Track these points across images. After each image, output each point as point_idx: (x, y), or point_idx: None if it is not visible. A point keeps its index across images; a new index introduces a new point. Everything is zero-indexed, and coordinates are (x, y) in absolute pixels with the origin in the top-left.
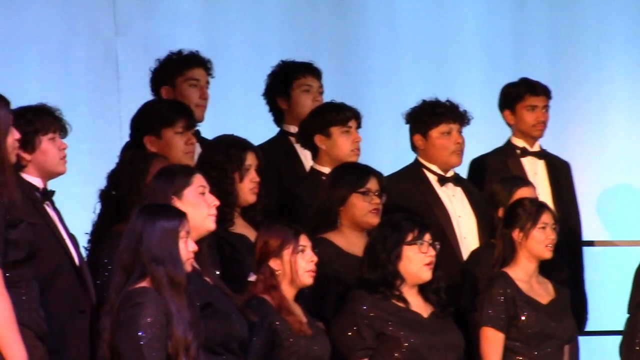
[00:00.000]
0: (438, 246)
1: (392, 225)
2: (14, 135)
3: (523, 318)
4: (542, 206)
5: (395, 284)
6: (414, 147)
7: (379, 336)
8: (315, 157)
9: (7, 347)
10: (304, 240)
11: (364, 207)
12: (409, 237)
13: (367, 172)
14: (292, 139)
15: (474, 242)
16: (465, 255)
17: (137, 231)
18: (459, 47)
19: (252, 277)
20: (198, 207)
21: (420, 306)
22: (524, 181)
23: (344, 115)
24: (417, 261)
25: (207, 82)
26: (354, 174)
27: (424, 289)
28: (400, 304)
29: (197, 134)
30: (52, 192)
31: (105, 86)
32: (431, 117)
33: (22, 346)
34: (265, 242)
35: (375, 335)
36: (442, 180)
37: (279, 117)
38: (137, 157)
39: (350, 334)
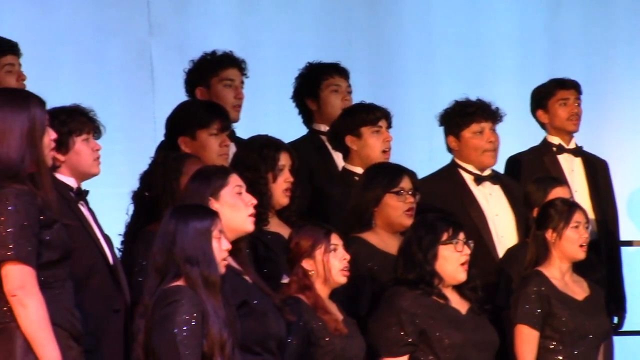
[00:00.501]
0: (472, 244)
1: (427, 226)
2: (50, 136)
3: (558, 315)
4: (574, 205)
5: (434, 282)
6: (449, 149)
7: (420, 333)
8: (346, 157)
9: (40, 347)
10: (335, 239)
11: (398, 207)
12: (444, 237)
13: (400, 171)
14: (323, 137)
15: (512, 241)
16: (501, 253)
17: (170, 232)
18: (493, 47)
19: (286, 279)
20: (236, 207)
21: (457, 303)
22: (559, 181)
23: (374, 115)
24: (453, 260)
25: (242, 82)
26: (387, 174)
27: (460, 287)
28: (441, 301)
29: (232, 134)
30: (86, 192)
31: (140, 87)
32: (462, 117)
33: (55, 347)
34: (296, 243)
35: (417, 331)
36: (479, 180)
37: (308, 118)
38: (170, 158)
39: (392, 329)
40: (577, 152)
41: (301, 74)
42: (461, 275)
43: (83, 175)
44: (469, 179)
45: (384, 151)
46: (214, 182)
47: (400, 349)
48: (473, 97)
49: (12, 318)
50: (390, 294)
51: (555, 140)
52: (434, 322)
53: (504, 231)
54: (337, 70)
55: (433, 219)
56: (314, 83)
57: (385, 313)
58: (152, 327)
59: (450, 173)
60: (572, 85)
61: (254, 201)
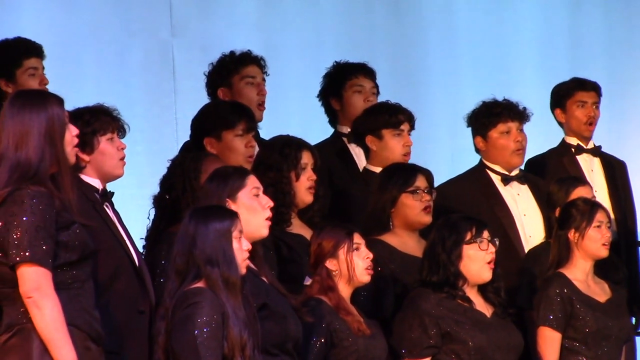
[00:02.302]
0: (497, 242)
1: (450, 226)
2: (71, 132)
3: (581, 317)
4: (596, 205)
5: (458, 284)
6: (477, 150)
7: (444, 335)
8: (367, 156)
9: (56, 349)
10: (357, 239)
11: (415, 206)
12: (468, 236)
13: (414, 170)
14: (345, 140)
15: (540, 241)
16: None
17: (190, 234)
18: (515, 48)
19: (308, 281)
20: (253, 209)
21: (482, 305)
22: (580, 181)
23: (396, 118)
24: (478, 259)
25: (263, 80)
26: (401, 175)
27: (483, 289)
28: (465, 304)
29: (256, 135)
30: (112, 194)
31: (162, 87)
32: (489, 117)
33: (71, 348)
34: (319, 244)
35: (440, 334)
36: (506, 180)
37: (333, 118)
38: (188, 159)
39: (415, 331)
40: (596, 152)
41: (327, 73)
42: (486, 274)
43: (107, 176)
44: (496, 179)
45: (403, 155)
46: (232, 183)
47: (423, 351)
48: (496, 98)
49: (28, 319)
50: (414, 295)
51: (573, 141)
52: (458, 325)
53: (532, 231)
54: (362, 71)
55: (456, 219)
56: (338, 83)
57: (409, 315)
58: (172, 329)
59: (477, 174)
60: (592, 88)
61: (271, 203)
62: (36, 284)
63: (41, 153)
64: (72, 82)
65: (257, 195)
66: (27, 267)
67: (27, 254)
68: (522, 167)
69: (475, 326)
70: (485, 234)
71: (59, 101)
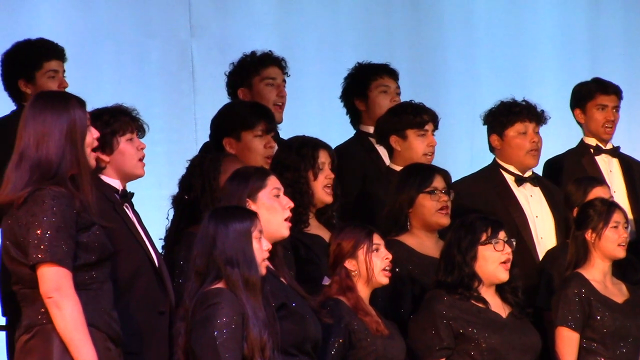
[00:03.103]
0: (514, 242)
1: (466, 227)
2: (92, 135)
3: (598, 317)
4: (613, 205)
5: (473, 285)
6: (492, 148)
7: (457, 336)
8: (390, 156)
9: (76, 349)
10: (377, 239)
11: (432, 207)
12: (483, 237)
13: (432, 171)
14: (372, 139)
15: (552, 243)
16: (541, 255)
17: (210, 235)
18: (534, 48)
19: (327, 281)
20: (273, 210)
21: (498, 306)
22: (599, 181)
23: (421, 118)
24: (493, 260)
25: (284, 81)
26: (419, 175)
27: (501, 289)
28: (480, 305)
29: (276, 135)
30: (131, 194)
31: (181, 88)
32: (507, 116)
33: (91, 348)
34: (338, 244)
35: (453, 335)
36: (520, 181)
37: (356, 118)
38: (207, 159)
39: (428, 333)
40: (614, 152)
41: (350, 73)
42: (502, 275)
43: (127, 177)
44: (510, 179)
45: (426, 155)
46: (252, 183)
47: (436, 352)
48: (514, 98)
49: (48, 319)
50: (429, 297)
51: (591, 141)
52: (471, 326)
53: (543, 233)
54: (386, 71)
55: (472, 220)
56: (363, 83)
57: (423, 317)
58: (192, 330)
59: (491, 173)
60: (613, 91)
61: (291, 204)
62: (56, 284)
63: (62, 153)
64: (91, 82)
65: (277, 196)
66: (48, 267)
67: (47, 254)
68: (541, 168)
69: (489, 327)
70: (502, 234)
71: (81, 103)
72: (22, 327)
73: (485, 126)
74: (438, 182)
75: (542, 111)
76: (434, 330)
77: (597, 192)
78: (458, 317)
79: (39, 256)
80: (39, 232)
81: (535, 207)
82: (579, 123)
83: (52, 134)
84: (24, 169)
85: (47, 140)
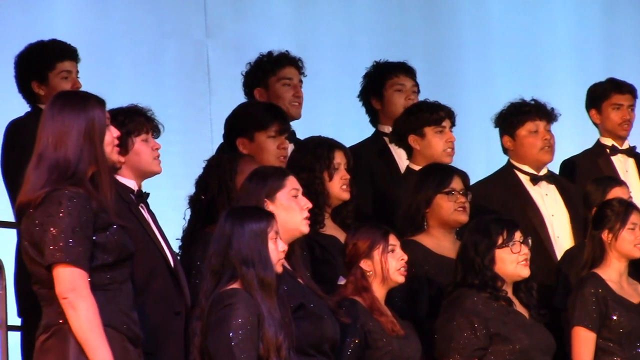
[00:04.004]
0: (530, 240)
1: (482, 231)
2: (112, 133)
3: (615, 317)
4: (631, 206)
5: (498, 285)
6: (505, 150)
7: (492, 336)
8: (409, 156)
9: (92, 349)
10: (393, 240)
11: (449, 207)
12: (499, 241)
13: (451, 171)
14: (386, 139)
15: (568, 241)
16: (558, 254)
17: (226, 235)
18: (549, 49)
19: (342, 281)
20: (291, 210)
21: (519, 307)
22: (617, 181)
23: (437, 115)
24: (511, 261)
25: (300, 81)
26: (437, 175)
27: (516, 289)
28: (507, 305)
29: (293, 135)
30: (147, 194)
31: (196, 88)
32: (517, 116)
33: (107, 349)
34: (354, 244)
35: (489, 335)
36: (535, 179)
37: (374, 117)
38: (224, 159)
39: (464, 332)
40: (630, 152)
41: (367, 72)
42: (523, 272)
43: (144, 175)
44: (525, 179)
45: (446, 151)
46: (271, 183)
47: (472, 352)
48: (529, 99)
49: (65, 320)
50: (458, 296)
51: (608, 141)
52: (505, 326)
53: (560, 231)
54: (403, 70)
55: (487, 223)
56: (378, 82)
57: (457, 315)
58: (207, 330)
59: (506, 174)
60: (628, 90)
61: (310, 205)
62: (71, 285)
63: (80, 153)
64: (106, 83)
65: (295, 197)
66: (63, 267)
67: (62, 254)
68: (557, 169)
69: (520, 328)
70: (517, 235)
71: (100, 102)
72: (41, 327)
73: (497, 128)
74: (456, 183)
75: (552, 109)
76: (471, 329)
77: (616, 192)
78: (493, 318)
79: (55, 257)
80: (54, 232)
81: (550, 205)
82: (594, 123)
83: (70, 133)
84: (42, 169)
85: (65, 140)
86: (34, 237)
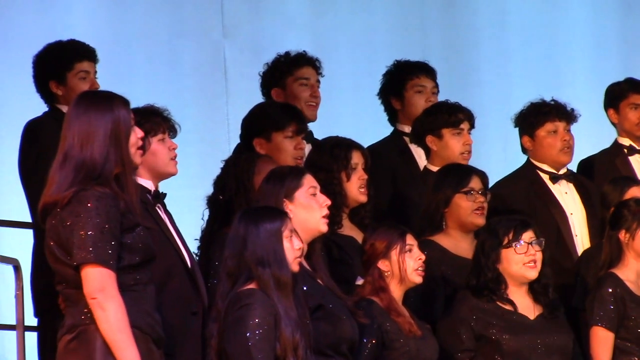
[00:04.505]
0: (543, 241)
1: (489, 230)
2: (136, 134)
3: (633, 317)
4: None
5: (500, 287)
6: (524, 150)
7: (479, 338)
8: (427, 156)
9: (119, 350)
10: (410, 240)
11: (468, 207)
12: (505, 240)
13: (469, 171)
14: (406, 139)
15: (585, 239)
16: (578, 252)
17: (241, 236)
18: (567, 49)
19: (360, 281)
20: (310, 208)
21: (528, 307)
22: (635, 181)
23: (456, 117)
24: (516, 262)
25: (318, 81)
26: (456, 175)
27: (532, 289)
28: (506, 307)
29: (310, 135)
30: (164, 195)
31: (213, 89)
32: (536, 117)
33: (134, 349)
34: (371, 244)
35: (474, 337)
36: (554, 178)
37: (393, 117)
38: (241, 159)
39: (452, 334)
40: None
41: (388, 71)
42: (529, 273)
43: (160, 176)
44: (545, 178)
45: (463, 154)
46: (288, 183)
47: (458, 354)
48: (548, 98)
49: (91, 320)
50: (455, 299)
51: (625, 141)
52: (494, 328)
53: (578, 230)
54: (423, 70)
55: (496, 223)
56: (399, 82)
57: (448, 318)
58: (224, 331)
59: (527, 173)
60: None
61: (328, 202)
62: (100, 285)
63: (106, 153)
64: (123, 83)
65: (314, 195)
66: (92, 268)
67: (91, 255)
68: (575, 168)
69: (512, 329)
70: (526, 236)
71: (125, 102)
72: (65, 327)
73: (516, 128)
74: (475, 183)
75: (572, 109)
76: (457, 331)
77: (633, 192)
78: (480, 319)
79: (83, 257)
80: (82, 232)
81: (569, 204)
82: (612, 123)
83: (96, 133)
84: (68, 169)
85: (91, 140)
86: (61, 237)
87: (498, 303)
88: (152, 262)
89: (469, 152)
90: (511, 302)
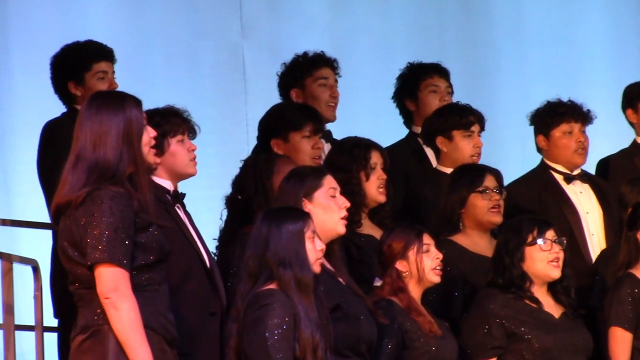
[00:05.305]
0: (564, 241)
1: (513, 229)
2: (149, 134)
3: None
4: None
5: (525, 285)
6: (539, 149)
7: (509, 336)
8: (437, 157)
9: (132, 350)
10: (427, 239)
11: (484, 206)
12: (529, 238)
13: (483, 170)
14: (421, 140)
15: (602, 239)
16: (593, 252)
17: (263, 236)
18: (585, 49)
19: (378, 282)
20: (329, 209)
21: (551, 306)
22: None
23: (467, 119)
24: (540, 260)
25: (336, 81)
26: (470, 174)
27: (553, 289)
28: (533, 305)
29: (329, 135)
30: (183, 195)
31: (232, 89)
32: (552, 117)
33: (147, 349)
34: (389, 245)
35: (505, 334)
36: (569, 179)
37: (408, 118)
38: (260, 159)
39: (480, 332)
40: None
41: (401, 74)
42: (553, 272)
43: (179, 176)
44: (559, 178)
45: (473, 156)
46: (308, 183)
47: (488, 352)
48: (565, 98)
49: (104, 320)
50: (481, 296)
51: None
52: (524, 325)
53: (594, 229)
54: (437, 71)
55: (519, 221)
56: (413, 83)
57: (475, 316)
58: (243, 331)
59: (541, 173)
60: None
61: (348, 204)
62: (114, 285)
63: (119, 153)
64: (142, 84)
65: (333, 196)
66: (105, 267)
67: (105, 254)
68: (593, 168)
69: (542, 327)
70: (549, 234)
71: (137, 102)
72: (78, 327)
73: (532, 126)
74: (489, 182)
75: (588, 111)
76: (487, 329)
77: None
78: (511, 317)
79: (97, 256)
80: (97, 232)
81: (585, 203)
82: (630, 123)
83: (108, 133)
84: (81, 169)
85: (104, 141)
86: (75, 237)
87: (525, 301)
88: (166, 262)
89: (479, 154)
90: (537, 301)
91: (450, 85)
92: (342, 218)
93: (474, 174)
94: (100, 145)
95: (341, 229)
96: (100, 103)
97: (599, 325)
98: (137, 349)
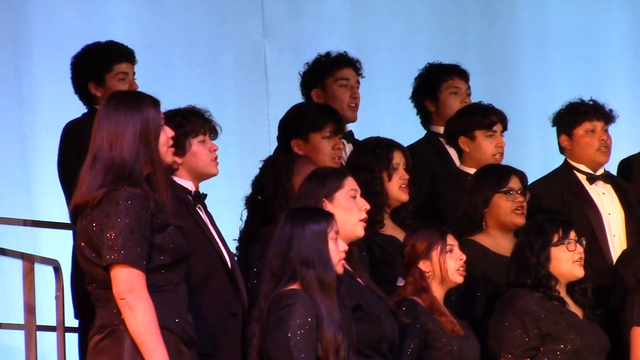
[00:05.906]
0: (584, 241)
1: (537, 229)
2: (166, 134)
3: None
4: None
5: (551, 285)
6: (562, 149)
7: (543, 337)
8: (460, 157)
9: (148, 350)
10: (451, 240)
11: (507, 207)
12: (555, 239)
13: (508, 171)
14: (442, 140)
15: (623, 240)
16: (614, 253)
17: (286, 236)
18: (607, 49)
19: (401, 282)
20: (349, 211)
21: (573, 307)
22: None
23: (489, 119)
24: (566, 260)
25: (358, 82)
26: (495, 175)
27: (571, 290)
28: (561, 305)
29: (351, 135)
30: (204, 196)
31: (254, 89)
32: (575, 116)
33: (163, 350)
34: (412, 245)
35: (540, 335)
36: (592, 179)
37: (426, 119)
38: (280, 160)
39: (515, 332)
40: None
41: (421, 74)
42: (578, 272)
43: (201, 176)
44: (582, 178)
45: (495, 156)
46: (329, 183)
47: (523, 352)
48: (587, 98)
49: (120, 320)
50: (511, 296)
51: None
52: (557, 326)
53: (616, 230)
54: (457, 72)
55: (542, 222)
56: (433, 84)
57: (508, 316)
58: (266, 331)
59: (563, 173)
60: None
61: (368, 206)
62: (129, 286)
63: (135, 153)
64: (163, 84)
65: (354, 197)
66: (121, 268)
67: (121, 255)
68: (615, 168)
69: (572, 328)
70: (572, 234)
71: (155, 102)
72: (95, 327)
73: (554, 127)
74: (514, 183)
75: (610, 110)
76: (523, 329)
77: None
78: (545, 317)
79: (113, 257)
80: (112, 233)
81: (607, 204)
82: None
83: (125, 133)
84: (98, 169)
85: (120, 141)
86: (91, 237)
87: (554, 301)
88: (184, 262)
89: (501, 154)
90: (564, 301)
91: (469, 87)
92: (361, 220)
93: (499, 175)
94: (117, 145)
95: (360, 231)
96: (117, 103)
97: (620, 326)
98: (153, 350)
